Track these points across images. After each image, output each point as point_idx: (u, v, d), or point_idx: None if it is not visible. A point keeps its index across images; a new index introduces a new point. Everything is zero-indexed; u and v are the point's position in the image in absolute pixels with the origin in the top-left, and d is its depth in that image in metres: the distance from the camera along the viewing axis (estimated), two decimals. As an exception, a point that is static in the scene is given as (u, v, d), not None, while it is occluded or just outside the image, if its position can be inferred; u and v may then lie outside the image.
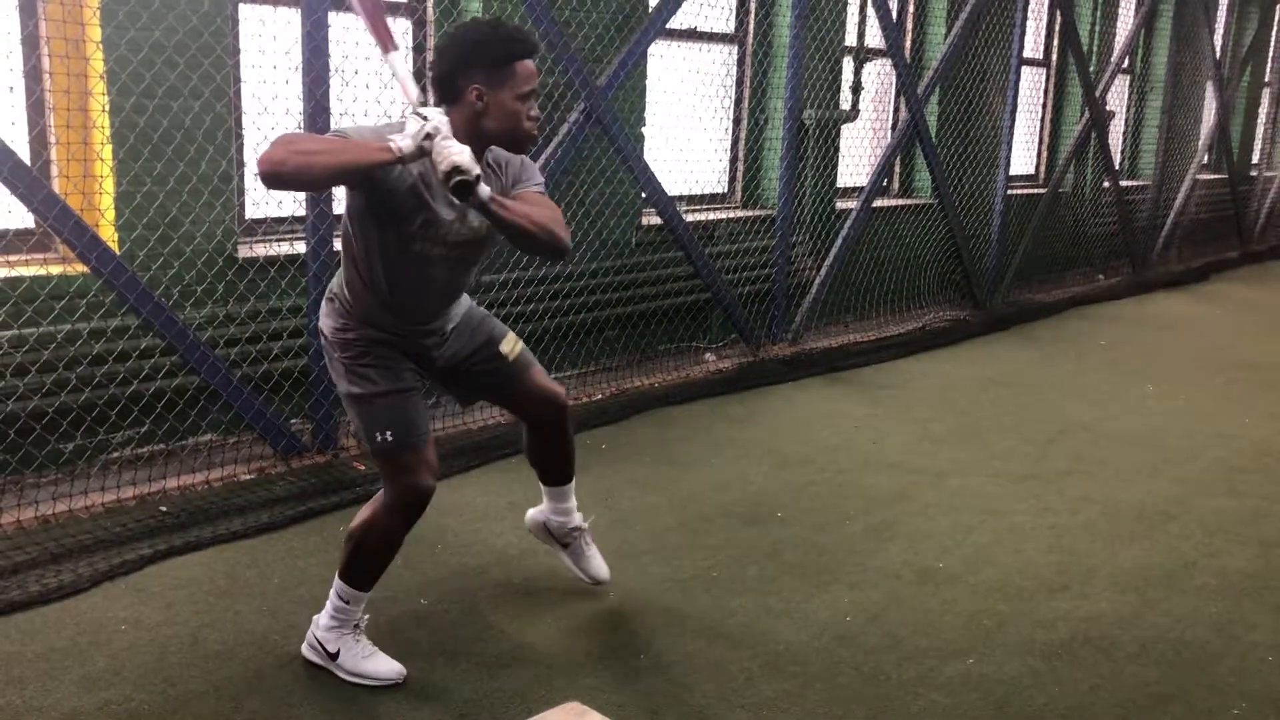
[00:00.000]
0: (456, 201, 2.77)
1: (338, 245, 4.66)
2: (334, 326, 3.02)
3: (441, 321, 3.11)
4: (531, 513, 3.64)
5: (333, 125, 4.59)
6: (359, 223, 2.89)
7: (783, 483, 4.76)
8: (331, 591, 3.10)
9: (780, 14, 6.99)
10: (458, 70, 2.80)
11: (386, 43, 2.79)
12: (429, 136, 2.60)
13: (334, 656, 3.07)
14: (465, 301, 3.21)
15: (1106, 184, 10.37)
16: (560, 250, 2.93)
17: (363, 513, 3.04)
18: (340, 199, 4.81)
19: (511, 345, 3.26)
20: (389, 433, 2.95)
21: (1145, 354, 7.56)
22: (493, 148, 2.93)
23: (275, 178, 2.61)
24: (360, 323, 2.99)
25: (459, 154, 2.59)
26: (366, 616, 3.14)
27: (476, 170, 2.62)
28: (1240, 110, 13.02)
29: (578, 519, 3.57)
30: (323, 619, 3.11)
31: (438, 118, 2.64)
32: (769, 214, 7.08)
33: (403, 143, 2.61)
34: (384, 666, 3.06)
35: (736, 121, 7.25)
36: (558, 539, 3.61)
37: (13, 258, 4.16)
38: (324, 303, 3.08)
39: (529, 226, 2.80)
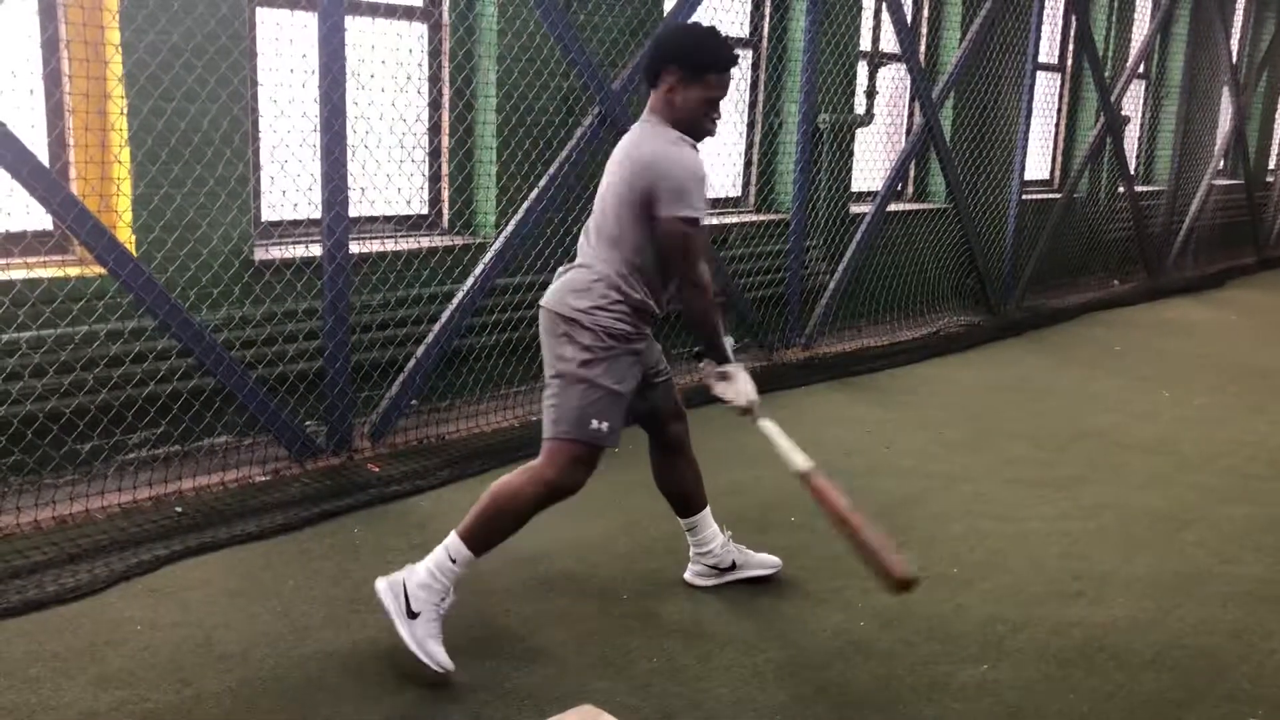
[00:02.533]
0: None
1: (354, 248, 4.73)
2: (609, 315, 3.18)
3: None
4: (688, 572, 3.76)
5: (350, 129, 4.58)
6: (648, 235, 3.17)
7: (795, 488, 4.72)
8: (439, 549, 3.14)
9: (795, 18, 6.99)
10: (664, 59, 3.21)
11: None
12: (745, 411, 3.36)
13: (413, 616, 3.09)
14: None
15: (1121, 189, 10.34)
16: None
17: (511, 478, 3.18)
18: (357, 203, 4.84)
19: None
20: (605, 424, 3.17)
21: (1160, 360, 7.53)
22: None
23: (708, 319, 3.33)
24: (639, 319, 3.22)
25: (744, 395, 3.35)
26: (454, 600, 3.16)
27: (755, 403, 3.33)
28: (1256, 115, 12.96)
29: (721, 536, 3.71)
30: (421, 573, 3.13)
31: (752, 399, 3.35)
32: (783, 218, 7.08)
33: (732, 393, 3.36)
34: (444, 657, 3.09)
35: (751, 125, 7.26)
36: (721, 569, 3.72)
37: (31, 259, 4.19)
38: (602, 288, 3.18)
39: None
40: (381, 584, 3.17)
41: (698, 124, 3.24)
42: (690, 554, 3.72)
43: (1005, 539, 4.29)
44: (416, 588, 3.12)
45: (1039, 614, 3.67)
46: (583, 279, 3.22)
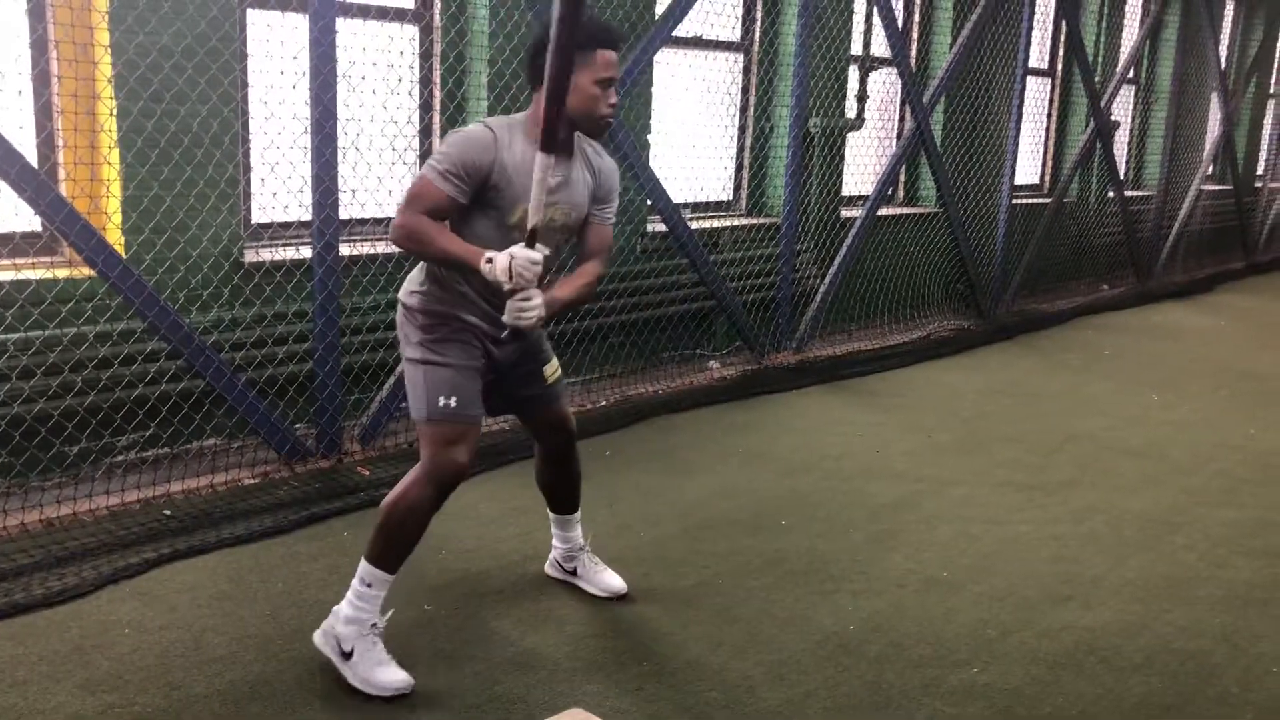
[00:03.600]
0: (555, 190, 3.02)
1: (344, 250, 4.72)
2: (425, 298, 3.13)
3: None
4: (548, 561, 3.79)
5: (340, 131, 4.58)
6: (463, 212, 3.04)
7: (786, 491, 4.76)
8: (355, 579, 3.10)
9: (786, 22, 7.00)
10: (543, 51, 2.90)
11: (551, 143, 2.84)
12: (513, 291, 2.89)
13: (348, 656, 3.06)
14: None
15: (1111, 194, 10.37)
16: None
17: (396, 487, 3.11)
18: (347, 205, 4.83)
19: (553, 370, 3.41)
20: (453, 399, 3.08)
21: (1149, 364, 7.55)
22: (593, 149, 3.20)
23: (395, 243, 3.00)
24: (455, 303, 3.11)
25: (526, 316, 2.91)
26: (386, 617, 3.12)
27: (536, 315, 2.92)
28: (1245, 121, 13.02)
29: (579, 539, 3.71)
30: (344, 608, 3.10)
31: (531, 270, 2.87)
32: (774, 222, 7.08)
33: (498, 274, 2.87)
34: (393, 677, 3.04)
35: (742, 129, 7.26)
36: (565, 567, 3.73)
37: (20, 261, 4.17)
38: (417, 274, 3.17)
39: (584, 297, 3.20)
40: (318, 637, 3.15)
41: (594, 113, 3.04)
42: (552, 543, 3.76)
43: (995, 543, 4.29)
44: (343, 625, 3.08)
45: (1029, 617, 3.67)
46: (416, 269, 3.22)
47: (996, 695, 3.19)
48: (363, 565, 3.09)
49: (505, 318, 2.94)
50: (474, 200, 3.02)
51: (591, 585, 3.68)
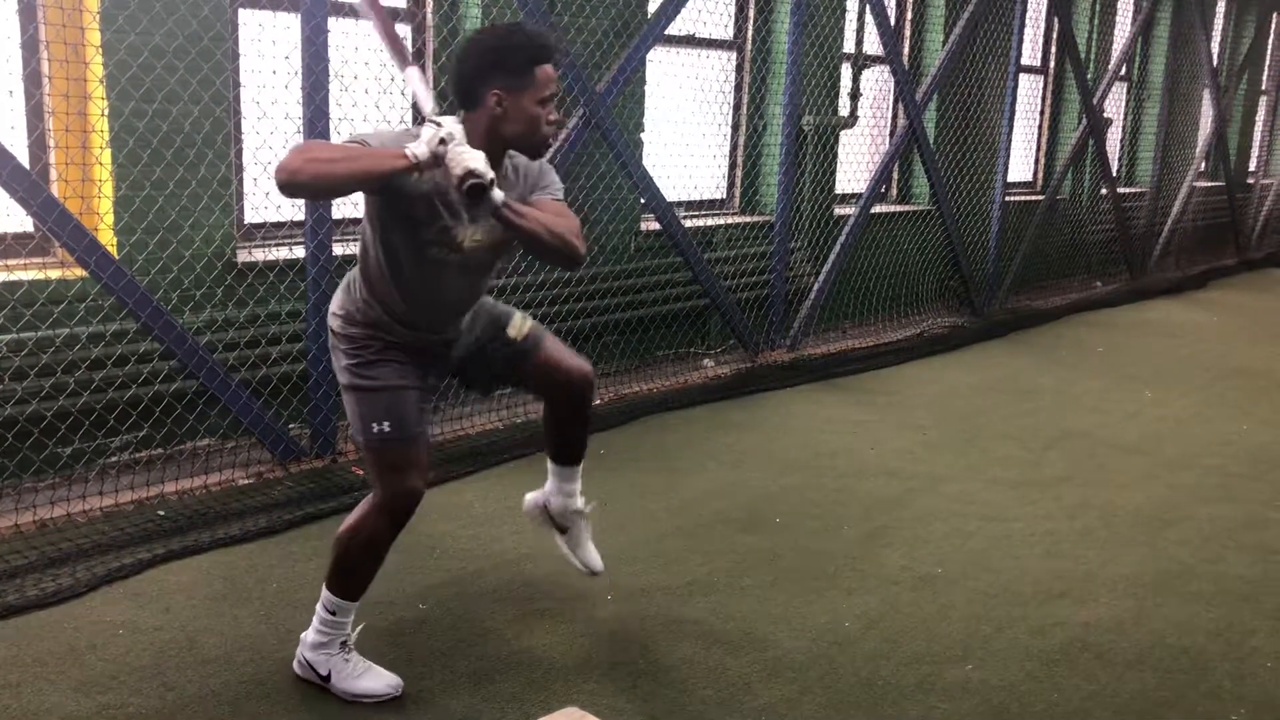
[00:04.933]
0: (470, 207, 2.76)
1: (337, 250, 4.72)
2: (344, 321, 3.02)
3: (454, 330, 3.12)
4: (530, 496, 3.58)
5: (334, 130, 4.59)
6: (376, 228, 2.90)
7: (781, 488, 4.77)
8: (319, 604, 3.04)
9: (779, 20, 7.00)
10: (476, 76, 2.81)
11: (403, 58, 2.85)
12: (443, 142, 2.63)
13: (326, 679, 3.02)
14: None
15: (1104, 191, 10.39)
16: (574, 259, 2.94)
17: (350, 517, 3.01)
18: (346, 203, 4.83)
19: (519, 326, 3.22)
20: (387, 424, 2.92)
21: (1142, 361, 7.57)
22: (513, 154, 2.94)
23: (292, 185, 2.63)
24: (372, 325, 2.98)
25: (473, 159, 2.62)
26: (355, 631, 3.08)
27: (490, 174, 2.64)
28: (1237, 117, 13.05)
29: (580, 502, 3.51)
30: (310, 635, 3.05)
31: (452, 124, 2.67)
32: (767, 220, 7.09)
33: (418, 149, 2.63)
34: (378, 682, 3.02)
35: (735, 127, 7.26)
36: (557, 521, 3.54)
37: (11, 261, 4.16)
38: (338, 295, 3.06)
39: (542, 233, 2.81)
40: (296, 668, 3.09)
41: (536, 134, 2.84)
42: (546, 486, 3.51)
43: (989, 539, 4.30)
44: (310, 652, 3.03)
45: (1023, 613, 3.68)
46: (338, 290, 3.07)
47: (991, 691, 3.20)
48: (324, 593, 3.01)
49: (455, 172, 2.62)
50: (387, 212, 2.85)
51: (573, 554, 3.54)
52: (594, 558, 3.57)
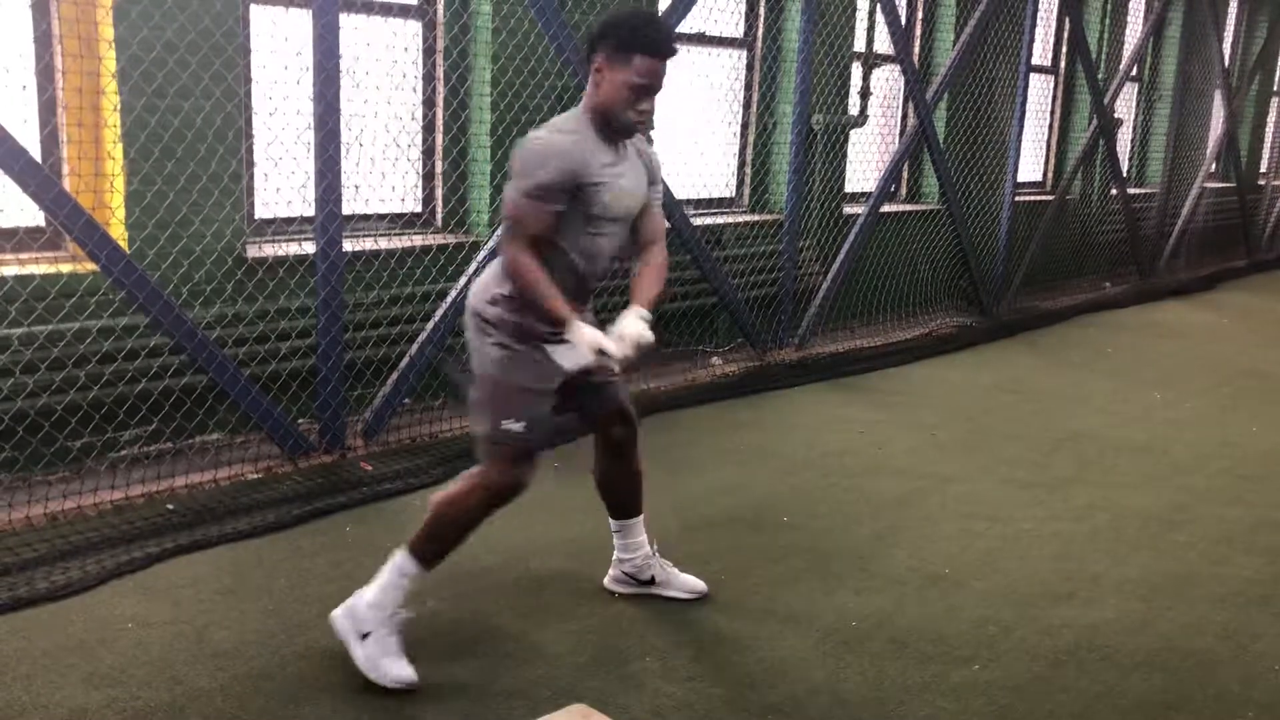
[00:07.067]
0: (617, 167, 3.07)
1: (347, 245, 4.72)
2: (500, 309, 3.07)
3: (592, 297, 3.30)
4: (608, 577, 3.67)
5: (344, 126, 4.58)
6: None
7: (788, 487, 4.77)
8: (389, 565, 3.10)
9: (789, 19, 7.00)
10: (596, 37, 3.02)
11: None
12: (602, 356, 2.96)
13: (364, 636, 3.06)
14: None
15: (1114, 191, 10.36)
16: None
17: (451, 486, 3.12)
18: (350, 200, 4.84)
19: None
20: (520, 424, 3.05)
21: (1152, 362, 7.55)
22: (638, 138, 3.18)
23: (509, 265, 3.01)
24: (533, 311, 3.05)
25: (638, 335, 2.97)
26: (407, 614, 3.12)
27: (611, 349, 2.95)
28: (1248, 119, 13.01)
29: (648, 547, 3.60)
30: (370, 592, 3.10)
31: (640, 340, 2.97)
32: (776, 218, 7.08)
33: (574, 349, 2.99)
34: (401, 671, 3.05)
35: (745, 126, 7.26)
36: (640, 580, 3.62)
37: (23, 255, 4.17)
38: (491, 279, 3.10)
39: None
40: (339, 612, 3.13)
41: (618, 112, 2.99)
42: (614, 557, 3.64)
43: (997, 540, 4.30)
44: (366, 608, 3.08)
45: (1030, 615, 3.68)
46: (491, 273, 3.14)
47: (998, 692, 3.20)
48: (402, 555, 3.10)
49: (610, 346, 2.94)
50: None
51: (677, 590, 3.62)
52: (693, 581, 3.67)
